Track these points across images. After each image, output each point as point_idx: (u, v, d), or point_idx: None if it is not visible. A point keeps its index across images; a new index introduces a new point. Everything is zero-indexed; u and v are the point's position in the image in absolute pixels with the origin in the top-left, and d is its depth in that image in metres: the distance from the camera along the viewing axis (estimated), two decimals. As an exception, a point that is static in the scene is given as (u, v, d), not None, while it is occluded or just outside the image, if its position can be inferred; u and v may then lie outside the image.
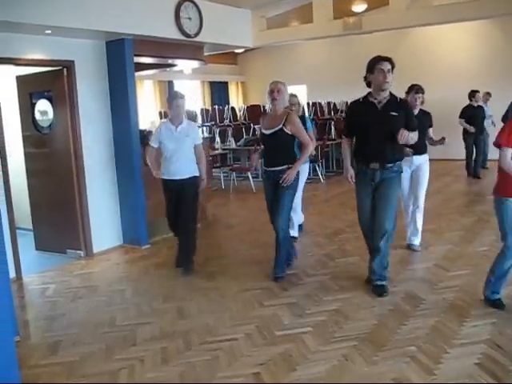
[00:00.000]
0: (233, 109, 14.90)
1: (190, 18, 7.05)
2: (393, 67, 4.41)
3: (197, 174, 5.48)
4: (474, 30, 12.44)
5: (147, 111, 13.14)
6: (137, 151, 6.58)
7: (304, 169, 6.24)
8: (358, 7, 11.91)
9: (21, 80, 6.63)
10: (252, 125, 12.57)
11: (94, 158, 6.44)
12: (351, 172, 4.66)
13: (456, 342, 3.66)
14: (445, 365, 3.38)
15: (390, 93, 4.50)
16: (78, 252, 6.41)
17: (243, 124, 13.38)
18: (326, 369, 3.42)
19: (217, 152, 11.04)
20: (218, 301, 4.76)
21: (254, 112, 14.00)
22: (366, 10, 12.04)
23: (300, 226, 6.73)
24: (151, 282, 5.38)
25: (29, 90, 6.56)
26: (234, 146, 11.85)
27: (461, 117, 10.57)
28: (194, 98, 16.48)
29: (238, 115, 14.89)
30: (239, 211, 9.05)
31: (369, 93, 4.56)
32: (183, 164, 5.37)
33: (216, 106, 15.04)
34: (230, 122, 14.12)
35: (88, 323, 4.42)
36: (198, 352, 3.78)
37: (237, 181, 11.17)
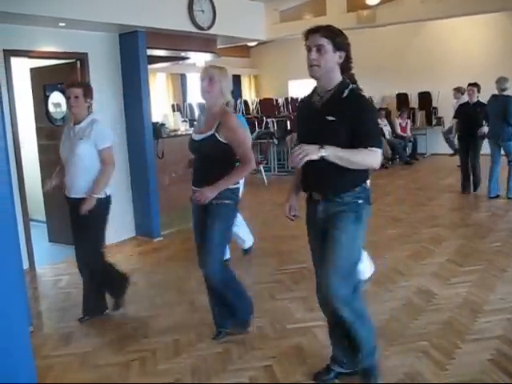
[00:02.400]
0: (245, 102, 14.86)
1: (203, 11, 7.03)
2: (332, 41, 2.82)
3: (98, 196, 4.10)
4: (490, 22, 12.28)
5: (160, 104, 13.14)
6: (150, 143, 6.61)
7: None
8: (372, 0, 11.79)
9: (35, 72, 6.65)
10: (265, 118, 12.54)
11: (107, 150, 6.45)
12: (291, 203, 3.20)
13: (469, 338, 3.64)
14: (457, 360, 3.36)
15: (342, 82, 2.90)
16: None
17: (256, 117, 13.33)
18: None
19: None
20: (229, 294, 4.77)
21: (267, 105, 13.96)
22: (380, 3, 11.91)
23: (246, 250, 5.83)
24: (164, 275, 5.39)
25: (42, 83, 6.58)
26: (246, 139, 11.83)
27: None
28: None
29: (251, 108, 14.85)
30: (251, 204, 9.04)
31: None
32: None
33: (228, 99, 15.01)
34: (243, 115, 14.09)
35: (100, 314, 4.44)
36: (210, 345, 3.79)
37: (249, 174, 11.15)
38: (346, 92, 2.85)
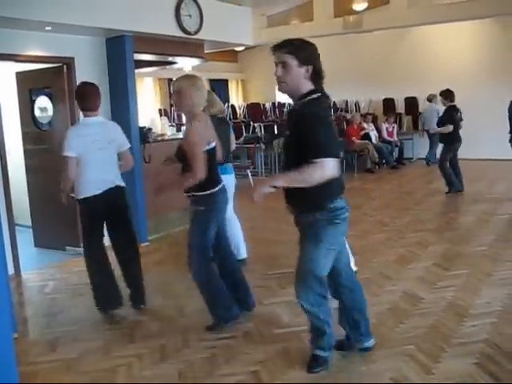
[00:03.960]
0: (233, 106, 14.87)
1: (190, 16, 7.04)
2: (296, 56, 2.85)
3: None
4: (476, 28, 12.40)
5: (147, 109, 13.13)
6: (136, 148, 6.56)
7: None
8: (359, 6, 11.84)
9: (20, 76, 6.61)
10: (252, 123, 12.56)
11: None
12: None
13: (455, 342, 3.66)
14: (443, 364, 3.38)
15: (304, 94, 2.93)
16: (77, 249, 6.38)
17: (243, 122, 13.34)
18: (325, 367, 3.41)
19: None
20: (216, 299, 4.75)
21: (254, 110, 13.98)
22: (367, 9, 12.01)
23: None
24: (150, 280, 5.35)
25: (28, 87, 6.55)
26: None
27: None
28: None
29: (238, 113, 14.86)
30: (239, 209, 9.03)
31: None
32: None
33: (216, 104, 15.00)
34: (230, 119, 14.08)
35: (87, 320, 4.41)
36: (197, 350, 3.78)
37: (236, 178, 11.13)
38: (299, 104, 2.92)
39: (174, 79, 3.77)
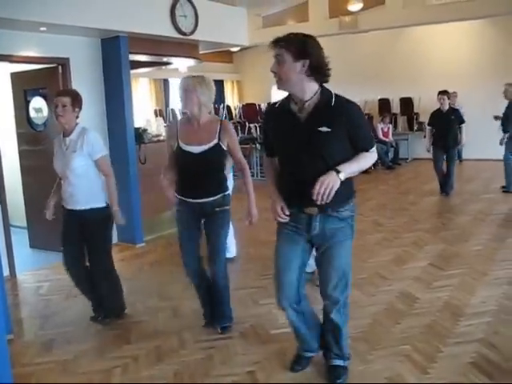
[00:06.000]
0: (228, 107, 14.87)
1: (185, 16, 7.03)
2: (290, 50, 2.68)
3: (100, 205, 4.11)
4: (471, 29, 12.44)
5: (142, 109, 13.12)
6: (132, 149, 6.57)
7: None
8: (354, 6, 11.82)
9: (15, 77, 6.60)
10: (247, 123, 12.57)
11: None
12: (281, 202, 2.94)
13: (450, 341, 3.67)
14: (439, 364, 3.38)
15: (323, 90, 2.78)
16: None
17: (238, 123, 13.35)
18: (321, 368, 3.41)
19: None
20: (212, 299, 4.74)
21: (250, 111, 13.97)
22: (362, 9, 12.02)
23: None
24: (146, 281, 5.36)
25: (23, 87, 6.53)
26: (229, 144, 11.82)
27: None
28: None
29: (234, 114, 14.86)
30: (237, 208, 9.01)
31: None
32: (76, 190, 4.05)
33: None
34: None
35: (82, 321, 4.39)
36: (193, 350, 3.77)
37: (233, 179, 11.13)
38: (333, 100, 2.75)
39: (182, 78, 3.68)
